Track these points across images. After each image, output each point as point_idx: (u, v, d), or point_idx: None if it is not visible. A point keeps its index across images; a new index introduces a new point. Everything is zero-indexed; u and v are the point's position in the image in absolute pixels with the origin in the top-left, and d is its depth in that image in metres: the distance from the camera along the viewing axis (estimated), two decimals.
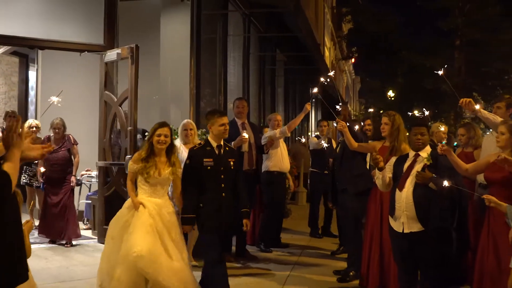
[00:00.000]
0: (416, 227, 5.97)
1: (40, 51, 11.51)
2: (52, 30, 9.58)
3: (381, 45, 28.37)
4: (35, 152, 3.72)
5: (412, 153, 6.20)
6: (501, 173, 5.53)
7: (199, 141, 8.48)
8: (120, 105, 9.38)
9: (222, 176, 6.11)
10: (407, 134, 7.02)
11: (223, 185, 6.12)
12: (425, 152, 6.05)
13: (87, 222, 10.96)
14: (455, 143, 9.75)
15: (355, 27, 35.51)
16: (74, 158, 9.51)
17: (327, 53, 30.44)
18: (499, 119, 6.49)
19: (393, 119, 7.03)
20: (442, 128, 8.61)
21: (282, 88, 20.25)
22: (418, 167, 6.05)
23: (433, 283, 6.26)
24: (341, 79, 43.81)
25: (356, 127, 7.87)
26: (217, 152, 6.21)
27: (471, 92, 23.89)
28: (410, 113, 10.09)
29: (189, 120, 8.83)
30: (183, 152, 8.21)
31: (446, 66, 6.66)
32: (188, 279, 5.88)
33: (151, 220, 5.85)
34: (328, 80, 8.96)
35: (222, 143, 6.30)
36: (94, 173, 10.79)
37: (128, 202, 6.13)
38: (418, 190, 5.94)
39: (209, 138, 6.36)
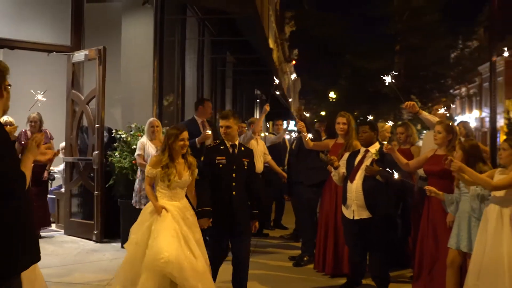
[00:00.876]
0: (365, 214, 6.82)
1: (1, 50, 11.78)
2: (21, 31, 10.00)
3: (325, 48, 29.32)
4: (45, 157, 4.27)
5: (362, 149, 7.05)
6: (438, 166, 6.39)
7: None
8: (87, 104, 9.86)
9: (234, 175, 6.19)
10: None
11: (234, 183, 6.18)
12: (374, 148, 6.91)
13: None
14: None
15: (300, 30, 36.40)
16: None
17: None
18: (437, 119, 7.40)
19: (349, 119, 7.84)
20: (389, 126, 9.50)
21: (231, 88, 20.92)
22: (367, 161, 6.91)
23: (380, 264, 7.12)
24: (283, 80, 44.76)
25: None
26: (230, 151, 6.29)
27: (410, 94, 25.13)
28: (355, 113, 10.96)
29: (154, 118, 9.43)
30: (149, 147, 8.84)
31: (392, 72, 7.37)
32: (210, 279, 5.92)
33: (175, 224, 5.81)
34: (277, 84, 9.60)
35: (237, 142, 6.38)
36: (57, 168, 11.17)
37: (149, 207, 6.06)
38: (367, 182, 6.81)
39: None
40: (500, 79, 55.53)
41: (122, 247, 9.09)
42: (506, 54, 12.50)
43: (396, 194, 7.30)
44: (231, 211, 6.13)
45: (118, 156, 9.31)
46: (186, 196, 6.23)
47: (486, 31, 26.87)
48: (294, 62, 52.47)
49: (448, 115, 8.25)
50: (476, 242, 5.53)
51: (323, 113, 38.10)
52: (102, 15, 11.73)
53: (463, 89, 64.55)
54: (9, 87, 3.70)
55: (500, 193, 5.39)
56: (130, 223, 8.88)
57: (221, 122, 6.37)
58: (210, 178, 6.21)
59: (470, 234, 5.83)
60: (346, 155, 7.25)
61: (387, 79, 7.49)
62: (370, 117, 8.22)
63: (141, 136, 9.18)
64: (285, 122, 51.86)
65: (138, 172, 8.88)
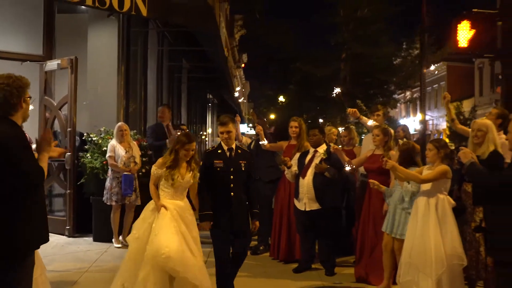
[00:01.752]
0: (315, 206, 7.96)
1: None
2: None
3: (275, 55, 30.43)
4: (56, 153, 5.14)
5: (312, 150, 8.16)
6: (376, 164, 7.51)
7: (133, 141, 10.05)
8: (60, 109, 10.63)
9: (232, 177, 6.44)
10: None
11: (232, 185, 6.42)
12: (322, 149, 8.04)
13: None
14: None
15: (249, 36, 37.42)
16: None
17: None
18: (374, 123, 8.54)
19: (300, 123, 8.88)
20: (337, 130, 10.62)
21: (186, 93, 21.80)
22: (316, 160, 8.02)
23: (327, 250, 8.23)
24: (233, 84, 45.73)
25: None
26: (227, 154, 6.53)
27: (355, 99, 26.45)
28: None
29: (123, 122, 10.26)
30: (119, 149, 9.70)
31: (339, 90, 8.47)
32: (207, 275, 6.18)
33: (174, 222, 6.13)
34: (237, 91, 10.62)
35: (233, 146, 6.62)
36: None
37: (151, 205, 6.41)
38: (317, 178, 7.96)
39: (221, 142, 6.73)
40: (443, 83, 58.02)
41: (94, 240, 9.98)
42: (432, 67, 13.68)
43: (342, 188, 8.46)
44: (230, 212, 6.40)
45: (90, 157, 10.13)
46: (188, 197, 6.65)
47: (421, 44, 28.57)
48: (243, 65, 53.67)
49: (384, 120, 9.38)
50: (408, 226, 6.62)
51: (272, 116, 39.27)
52: (69, 25, 12.41)
53: (408, 93, 66.86)
54: (28, 99, 4.60)
55: (427, 186, 6.50)
56: (101, 219, 9.88)
57: (221, 129, 6.62)
58: (209, 181, 6.47)
59: (400, 221, 6.95)
60: (297, 155, 8.35)
61: (336, 90, 8.47)
62: (321, 121, 9.22)
63: (111, 139, 10.04)
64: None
65: (109, 172, 9.71)
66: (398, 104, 65.36)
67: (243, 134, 27.35)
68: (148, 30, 13.79)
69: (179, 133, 9.98)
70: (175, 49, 16.60)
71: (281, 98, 36.48)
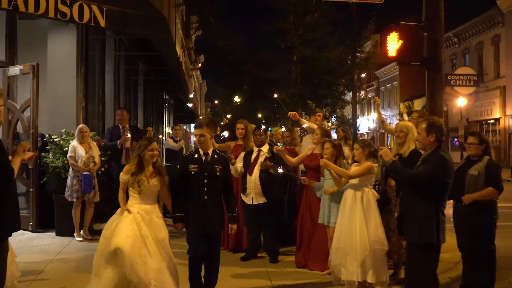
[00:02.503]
0: (262, 200, 8.88)
1: None
2: None
3: (228, 58, 31.26)
4: (27, 156, 5.88)
5: (256, 149, 9.05)
6: (314, 162, 8.42)
7: (93, 142, 10.76)
8: (22, 112, 11.24)
9: (206, 181, 6.54)
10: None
11: (206, 189, 6.54)
12: (265, 148, 8.95)
13: None
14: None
15: (204, 39, 38.17)
16: None
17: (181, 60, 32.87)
18: (314, 125, 9.45)
19: (246, 125, 9.72)
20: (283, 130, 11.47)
21: (142, 94, 22.45)
22: (261, 158, 8.92)
23: (272, 240, 9.12)
24: (190, 84, 46.27)
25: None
26: (203, 159, 6.67)
27: (305, 100, 27.55)
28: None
29: (83, 124, 10.97)
30: (79, 150, 10.41)
31: (281, 94, 9.33)
32: (168, 277, 6.31)
33: (133, 225, 6.35)
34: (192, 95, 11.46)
35: (210, 151, 6.74)
36: None
37: (119, 209, 6.66)
38: (262, 174, 8.86)
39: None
40: (395, 83, 59.68)
41: (57, 235, 10.66)
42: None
43: (285, 183, 9.35)
44: (204, 215, 6.53)
45: (52, 157, 10.80)
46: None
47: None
48: (200, 65, 54.28)
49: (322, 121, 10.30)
50: (338, 216, 7.54)
51: (228, 116, 40.04)
52: (30, 31, 12.86)
53: (362, 92, 68.43)
54: (2, 107, 5.36)
55: (354, 181, 7.43)
56: (63, 214, 10.56)
57: (195, 131, 6.83)
58: (183, 185, 6.63)
59: (331, 211, 7.87)
60: (242, 154, 9.23)
61: (275, 95, 9.30)
62: (263, 127, 10.07)
63: (72, 140, 10.73)
64: (193, 126, 53.47)
65: (70, 171, 10.42)
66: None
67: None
68: (105, 37, 14.42)
69: (129, 135, 10.77)
70: (131, 54, 17.24)
71: (236, 99, 37.38)
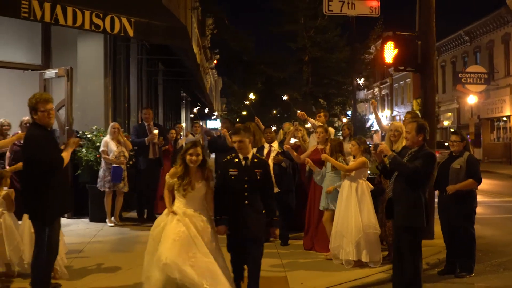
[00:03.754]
0: (275, 189, 9.92)
1: None
2: (2, 53, 12.56)
3: (242, 58, 32.54)
4: (75, 145, 7.09)
5: (267, 145, 10.21)
6: (317, 156, 9.55)
7: (123, 137, 11.93)
8: (58, 111, 12.47)
9: (246, 186, 6.53)
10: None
11: (246, 193, 6.52)
12: (275, 144, 10.12)
13: None
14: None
15: (219, 40, 39.51)
16: None
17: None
18: (319, 123, 10.60)
19: (255, 127, 10.81)
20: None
21: (162, 93, 23.70)
22: (273, 153, 10.07)
23: (283, 225, 10.22)
24: (206, 81, 47.49)
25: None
26: (243, 163, 6.67)
27: (317, 98, 28.82)
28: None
29: (115, 122, 12.16)
30: (111, 144, 11.59)
31: (294, 94, 10.56)
32: (221, 278, 6.24)
33: (180, 227, 6.32)
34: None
35: (250, 155, 6.76)
36: None
37: (166, 209, 6.61)
38: (275, 167, 9.95)
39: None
40: (409, 80, 60.45)
41: (91, 221, 11.90)
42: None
43: (294, 175, 10.47)
44: (244, 220, 6.49)
45: (85, 151, 12.03)
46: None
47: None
48: (215, 62, 55.48)
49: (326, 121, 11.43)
50: (337, 204, 8.70)
51: (244, 112, 41.37)
52: (60, 36, 14.09)
53: (376, 90, 69.34)
54: (53, 110, 6.57)
55: (350, 174, 8.58)
56: (96, 203, 11.77)
57: (233, 138, 6.87)
58: (225, 189, 6.63)
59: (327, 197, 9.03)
60: (254, 149, 10.36)
61: (285, 97, 10.56)
62: (274, 128, 11.38)
63: (103, 136, 11.96)
64: (208, 122, 54.65)
65: (102, 163, 11.64)
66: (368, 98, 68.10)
67: (215, 130, 29.57)
68: (130, 43, 15.64)
69: (155, 131, 11.96)
70: (153, 57, 18.48)
71: (251, 96, 38.69)
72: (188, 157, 6.54)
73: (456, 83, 43.12)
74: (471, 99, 39.72)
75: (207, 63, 46.23)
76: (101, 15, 10.17)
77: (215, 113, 54.98)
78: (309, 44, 28.42)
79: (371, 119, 63.32)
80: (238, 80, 39.92)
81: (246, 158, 6.72)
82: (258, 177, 6.63)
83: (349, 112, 54.84)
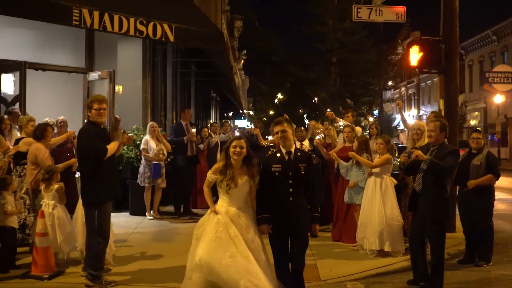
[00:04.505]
0: None
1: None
2: (49, 57, 13.45)
3: (271, 59, 33.37)
4: (126, 140, 7.86)
5: (298, 143, 10.89)
6: (345, 153, 10.19)
7: (161, 136, 12.69)
8: None
9: (291, 181, 6.24)
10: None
11: (291, 189, 6.23)
12: (306, 142, 10.80)
13: None
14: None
15: (247, 40, 40.34)
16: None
17: None
18: (347, 123, 11.25)
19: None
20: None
21: (194, 92, 24.54)
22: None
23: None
24: (233, 80, 48.31)
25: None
26: (286, 158, 6.36)
27: (344, 98, 29.54)
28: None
29: (154, 122, 12.96)
30: (151, 142, 12.36)
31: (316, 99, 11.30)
32: (261, 277, 5.99)
33: (219, 226, 6.12)
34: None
35: (292, 149, 6.43)
36: None
37: (210, 208, 6.42)
38: None
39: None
40: (436, 80, 60.51)
41: (131, 214, 12.70)
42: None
43: (323, 171, 11.11)
44: (288, 216, 6.24)
45: (126, 149, 12.82)
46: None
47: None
48: (243, 61, 56.34)
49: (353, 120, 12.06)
50: (362, 198, 9.35)
51: (271, 112, 42.15)
52: (102, 40, 14.93)
53: (403, 89, 69.56)
54: (105, 110, 7.33)
55: (376, 170, 9.23)
56: (136, 197, 12.55)
57: (276, 128, 6.51)
58: (268, 186, 6.35)
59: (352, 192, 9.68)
60: (298, 143, 11.04)
61: (316, 99, 11.28)
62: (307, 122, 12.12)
63: (143, 135, 12.75)
64: (236, 121, 55.55)
65: (142, 160, 12.42)
66: (395, 97, 68.44)
67: (243, 128, 30.33)
68: (166, 47, 16.45)
69: (193, 130, 12.72)
70: (187, 60, 19.29)
71: (279, 95, 39.47)
72: (231, 149, 6.33)
73: (483, 83, 43.14)
74: (498, 99, 39.84)
75: (235, 63, 47.06)
76: (144, 22, 10.91)
77: (243, 112, 55.91)
78: (337, 45, 29.12)
79: (398, 118, 63.81)
80: (266, 80, 40.71)
81: (289, 153, 6.40)
82: (303, 172, 6.32)
83: (376, 112, 55.76)
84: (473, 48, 53.01)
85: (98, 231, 7.30)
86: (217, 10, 26.06)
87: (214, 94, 32.85)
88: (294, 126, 11.54)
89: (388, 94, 47.72)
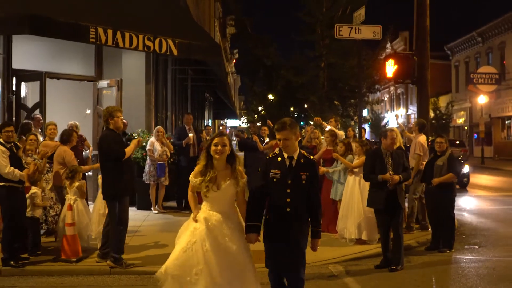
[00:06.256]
0: None
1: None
2: (63, 66, 14.87)
3: (264, 62, 34.98)
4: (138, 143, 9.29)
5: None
6: (329, 156, 11.65)
7: (166, 138, 14.09)
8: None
9: (289, 190, 5.65)
10: None
11: (288, 199, 5.65)
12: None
13: None
14: None
15: (241, 47, 42.02)
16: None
17: None
18: (331, 127, 12.71)
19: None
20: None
21: (190, 95, 25.90)
22: None
23: None
24: (227, 83, 49.60)
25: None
26: (287, 163, 5.76)
27: (332, 101, 31.30)
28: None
29: (160, 126, 14.42)
30: (156, 144, 13.74)
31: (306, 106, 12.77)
32: None
33: (193, 237, 5.71)
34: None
35: (295, 155, 5.81)
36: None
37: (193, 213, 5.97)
38: None
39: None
40: None
41: (138, 209, 14.11)
42: None
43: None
44: (284, 228, 5.71)
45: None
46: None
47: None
48: (234, 61, 57.89)
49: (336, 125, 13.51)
50: (343, 194, 10.81)
51: (263, 112, 43.75)
52: (107, 49, 16.19)
53: (392, 88, 71.12)
54: (121, 118, 8.75)
55: (355, 170, 10.68)
56: (142, 193, 13.96)
57: (278, 135, 5.85)
58: (264, 192, 5.80)
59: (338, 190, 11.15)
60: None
61: (306, 105, 12.79)
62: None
63: (148, 137, 14.16)
64: (229, 121, 56.65)
65: (148, 160, 13.83)
66: (384, 99, 70.16)
67: (234, 128, 31.59)
68: (167, 57, 17.83)
69: (190, 134, 14.14)
70: (185, 67, 20.65)
71: (271, 96, 41.17)
72: (213, 147, 5.81)
73: (468, 83, 44.84)
74: (481, 99, 41.43)
75: (227, 63, 48.40)
76: (151, 38, 12.29)
77: (237, 113, 57.50)
78: (325, 51, 30.74)
79: (386, 117, 65.48)
80: (258, 82, 42.31)
81: (291, 158, 5.80)
82: (304, 181, 5.72)
83: (365, 111, 57.36)
84: (459, 49, 54.60)
85: (119, 220, 8.68)
86: (211, 16, 27.49)
87: (207, 95, 34.32)
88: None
89: (378, 94, 49.28)
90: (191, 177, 5.96)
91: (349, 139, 12.01)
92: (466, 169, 21.88)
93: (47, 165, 10.09)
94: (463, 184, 21.68)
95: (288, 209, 5.68)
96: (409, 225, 11.49)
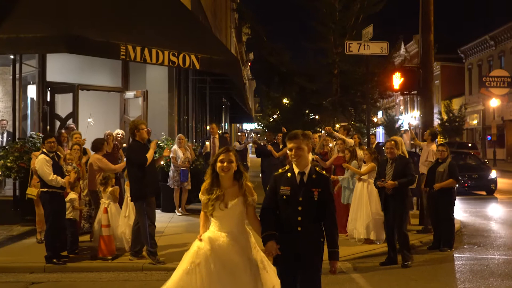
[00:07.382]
0: None
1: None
2: (91, 78, 15.97)
3: (279, 70, 36.07)
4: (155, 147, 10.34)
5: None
6: (339, 162, 12.62)
7: (188, 145, 15.13)
8: None
9: (300, 208, 5.28)
10: None
11: (299, 218, 5.28)
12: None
13: None
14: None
15: (257, 55, 43.17)
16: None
17: None
18: (340, 135, 13.67)
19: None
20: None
21: (208, 100, 26.94)
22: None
23: None
24: (244, 90, 50.58)
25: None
26: (298, 180, 5.38)
27: (345, 106, 32.43)
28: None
29: (181, 134, 15.46)
30: (178, 152, 14.79)
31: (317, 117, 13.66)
32: None
33: (196, 258, 5.50)
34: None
35: (307, 170, 5.41)
36: None
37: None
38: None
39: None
40: (437, 82, 62.53)
41: (163, 211, 15.15)
42: None
43: None
44: (295, 249, 5.35)
45: (158, 156, 15.25)
46: None
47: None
48: (250, 64, 58.85)
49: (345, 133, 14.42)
50: (352, 198, 11.78)
51: (275, 116, 44.96)
52: (133, 63, 17.21)
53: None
54: (146, 129, 9.82)
55: (364, 177, 11.64)
56: (166, 197, 15.02)
57: (289, 144, 5.47)
58: (274, 209, 5.45)
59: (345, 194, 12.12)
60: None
61: (317, 117, 13.73)
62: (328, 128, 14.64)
63: (172, 144, 15.21)
64: (245, 124, 57.67)
65: (171, 166, 14.88)
66: (398, 101, 70.86)
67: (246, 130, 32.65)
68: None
69: (207, 142, 15.21)
70: (204, 78, 21.67)
71: (285, 100, 42.49)
72: (219, 164, 5.53)
73: (481, 87, 45.41)
74: (494, 102, 42.05)
75: (242, 67, 49.33)
76: (176, 53, 13.30)
77: (253, 117, 58.51)
78: (338, 59, 31.79)
79: (401, 119, 66.13)
80: (273, 87, 43.33)
81: (302, 173, 5.41)
82: (316, 198, 5.33)
83: (379, 113, 58.21)
84: (472, 52, 55.19)
85: (146, 218, 9.68)
86: (227, 25, 28.57)
87: (224, 100, 35.41)
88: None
89: (392, 97, 50.28)
90: (200, 195, 5.74)
91: (355, 147, 12.87)
92: (493, 174, 22.06)
93: (85, 173, 11.17)
94: (491, 191, 21.72)
95: (299, 228, 5.32)
96: (427, 227, 12.52)
